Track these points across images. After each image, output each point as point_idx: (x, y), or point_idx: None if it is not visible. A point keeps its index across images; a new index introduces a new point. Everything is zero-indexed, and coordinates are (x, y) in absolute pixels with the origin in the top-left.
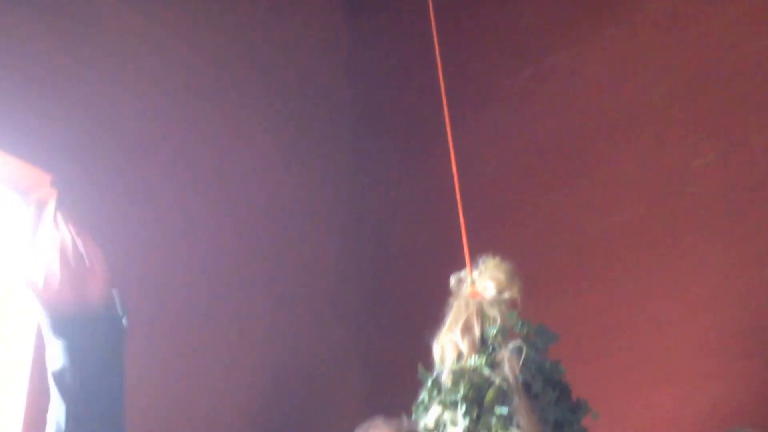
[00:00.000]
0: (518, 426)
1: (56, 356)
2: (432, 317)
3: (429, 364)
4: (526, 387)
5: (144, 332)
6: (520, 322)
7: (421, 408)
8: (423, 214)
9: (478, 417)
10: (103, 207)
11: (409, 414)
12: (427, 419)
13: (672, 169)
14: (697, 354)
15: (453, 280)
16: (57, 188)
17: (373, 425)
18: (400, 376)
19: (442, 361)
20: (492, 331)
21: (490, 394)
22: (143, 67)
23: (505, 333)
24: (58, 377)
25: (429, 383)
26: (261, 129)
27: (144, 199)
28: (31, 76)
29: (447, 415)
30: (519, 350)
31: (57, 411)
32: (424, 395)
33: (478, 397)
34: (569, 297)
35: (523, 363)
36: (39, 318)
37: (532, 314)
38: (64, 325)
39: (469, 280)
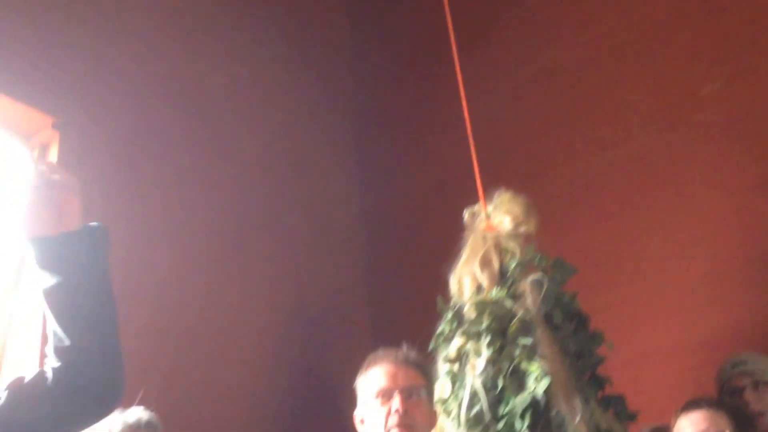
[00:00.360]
0: (541, 356)
1: (45, 278)
2: (438, 253)
3: (436, 300)
4: (547, 319)
5: (150, 274)
6: (538, 256)
7: (441, 339)
8: (431, 150)
9: (501, 348)
10: (106, 150)
11: (411, 345)
12: (449, 350)
13: (679, 97)
14: (702, 283)
15: (466, 214)
16: (59, 131)
17: (376, 356)
18: (404, 312)
19: (461, 294)
20: (512, 265)
21: (513, 325)
22: (147, 7)
23: (524, 266)
24: (50, 295)
25: (449, 315)
26: (263, 56)
27: (146, 141)
28: (31, 19)
29: (470, 346)
30: (539, 283)
31: (53, 325)
32: (444, 327)
33: (501, 328)
34: (578, 231)
35: (543, 295)
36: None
37: (544, 248)
38: (46, 244)
39: (483, 215)
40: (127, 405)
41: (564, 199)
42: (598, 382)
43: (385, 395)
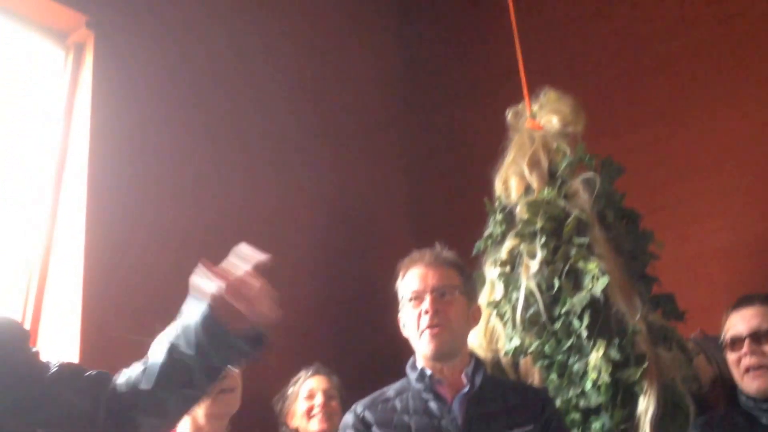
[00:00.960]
0: (598, 255)
1: (185, 343)
2: (481, 154)
3: (483, 202)
4: (601, 218)
5: (192, 175)
6: (587, 155)
7: (489, 241)
8: (475, 46)
9: (556, 248)
10: (141, 49)
11: (449, 246)
12: (500, 252)
13: None
14: (758, 185)
15: (510, 114)
16: (93, 30)
17: (409, 259)
18: (446, 215)
19: (507, 195)
20: (561, 164)
21: (569, 224)
22: None
23: (574, 166)
24: (176, 356)
25: (498, 217)
26: None
27: (181, 39)
28: None
29: (523, 247)
30: (591, 182)
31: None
32: (492, 229)
33: (555, 228)
34: (628, 130)
35: (595, 195)
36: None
37: (594, 147)
38: (217, 331)
39: (528, 114)
40: None
41: (612, 98)
42: (648, 282)
43: (418, 297)
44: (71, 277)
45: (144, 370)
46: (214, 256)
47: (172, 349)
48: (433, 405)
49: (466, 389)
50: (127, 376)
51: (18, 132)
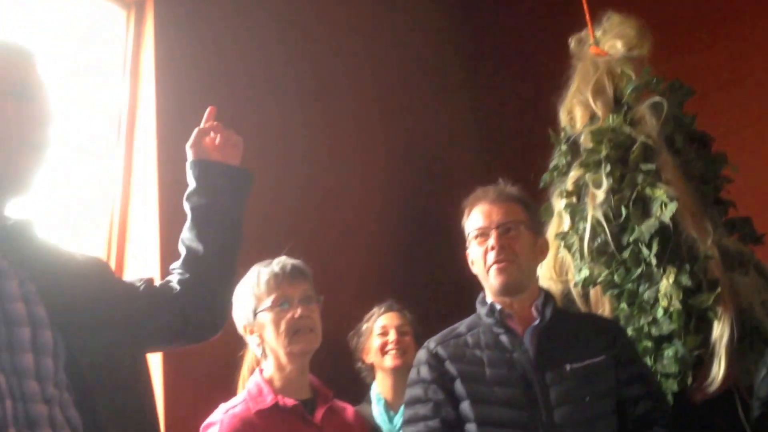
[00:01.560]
0: (666, 181)
1: (197, 196)
2: (546, 85)
3: (548, 134)
4: (669, 143)
5: (269, 135)
6: (654, 79)
7: (555, 173)
8: None
9: (622, 176)
10: (205, 11)
11: (514, 182)
12: (565, 184)
13: None
14: None
15: (572, 42)
16: None
17: (473, 196)
18: (514, 150)
19: (573, 125)
20: (627, 90)
21: (635, 151)
22: None
23: (640, 90)
24: (197, 211)
25: (563, 148)
26: None
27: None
28: None
29: (588, 177)
30: (658, 106)
31: (191, 238)
32: (557, 160)
33: (620, 155)
34: (695, 51)
35: (663, 119)
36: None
37: (662, 70)
38: (211, 167)
39: (591, 41)
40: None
41: (681, 17)
42: (723, 206)
43: (483, 234)
44: (149, 242)
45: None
46: (282, 198)
47: (191, 209)
48: (504, 339)
49: (537, 322)
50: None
51: (84, 90)
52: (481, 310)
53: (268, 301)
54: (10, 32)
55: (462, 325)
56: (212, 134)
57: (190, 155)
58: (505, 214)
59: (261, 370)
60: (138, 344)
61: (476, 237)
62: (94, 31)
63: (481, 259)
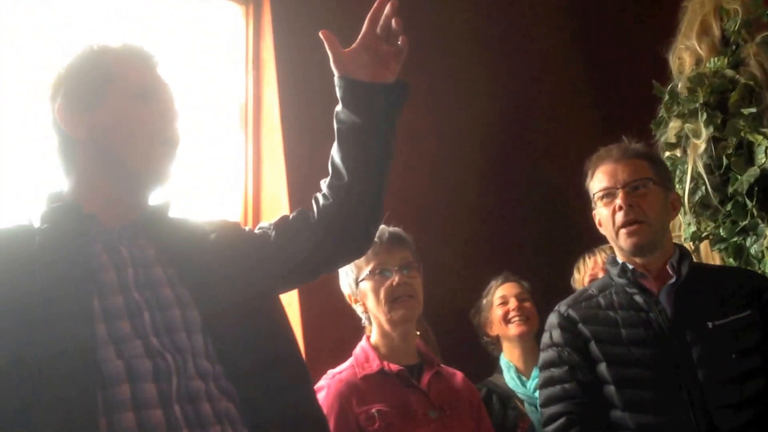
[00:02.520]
0: None
1: (345, 116)
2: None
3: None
4: None
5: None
6: (766, 12)
7: (661, 125)
8: None
9: (723, 123)
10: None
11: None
12: (667, 135)
13: None
14: None
15: None
16: None
17: (596, 156)
18: (630, 106)
19: (680, 72)
20: (733, 26)
21: (734, 95)
22: None
23: (750, 26)
24: (345, 133)
25: (666, 97)
26: None
27: None
28: None
29: (687, 127)
30: None
31: (337, 161)
32: (662, 112)
33: (720, 101)
34: None
35: None
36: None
37: None
38: (359, 86)
39: None
40: None
41: None
42: None
43: (609, 194)
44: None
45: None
46: (404, 174)
47: (336, 129)
48: (639, 299)
49: (673, 280)
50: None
51: (208, 82)
52: (612, 271)
53: (367, 270)
54: (135, 35)
55: (592, 287)
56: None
57: (335, 71)
58: (631, 171)
59: (368, 337)
60: (280, 289)
61: (602, 198)
62: (214, 28)
63: (609, 219)
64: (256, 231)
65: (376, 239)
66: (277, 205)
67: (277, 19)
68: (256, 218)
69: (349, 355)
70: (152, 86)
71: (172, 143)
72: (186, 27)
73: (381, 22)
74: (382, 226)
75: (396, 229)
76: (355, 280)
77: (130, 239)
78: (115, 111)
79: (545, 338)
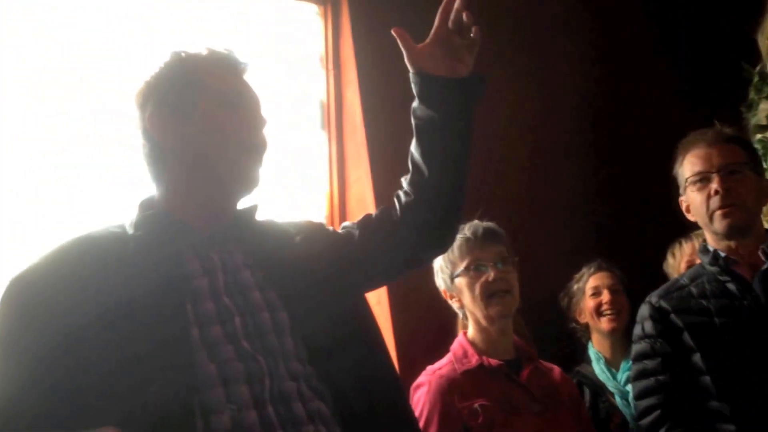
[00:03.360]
0: None
1: (422, 111)
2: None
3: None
4: None
5: None
6: None
7: (752, 107)
8: None
9: None
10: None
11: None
12: (758, 117)
13: None
14: None
15: None
16: None
17: (687, 141)
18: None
19: None
20: None
21: None
22: None
23: None
24: (422, 129)
25: (755, 79)
26: None
27: None
28: None
29: None
30: None
31: (417, 157)
32: (752, 94)
33: None
34: None
35: None
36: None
37: None
38: (434, 81)
39: None
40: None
41: None
42: None
43: (704, 178)
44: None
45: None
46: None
47: (414, 125)
48: (731, 286)
49: (766, 266)
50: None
51: (287, 81)
52: (704, 259)
53: (462, 266)
54: (220, 42)
55: (684, 277)
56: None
57: (409, 67)
58: (726, 155)
59: (464, 332)
60: (366, 287)
61: (695, 182)
62: (292, 28)
63: (702, 204)
64: (341, 231)
65: (470, 235)
66: (363, 205)
67: (355, 17)
68: (342, 219)
69: (439, 351)
70: (239, 94)
71: (259, 149)
72: (264, 28)
73: (452, 15)
74: (476, 222)
75: (490, 223)
76: (450, 276)
77: (220, 244)
78: (203, 119)
79: (637, 330)
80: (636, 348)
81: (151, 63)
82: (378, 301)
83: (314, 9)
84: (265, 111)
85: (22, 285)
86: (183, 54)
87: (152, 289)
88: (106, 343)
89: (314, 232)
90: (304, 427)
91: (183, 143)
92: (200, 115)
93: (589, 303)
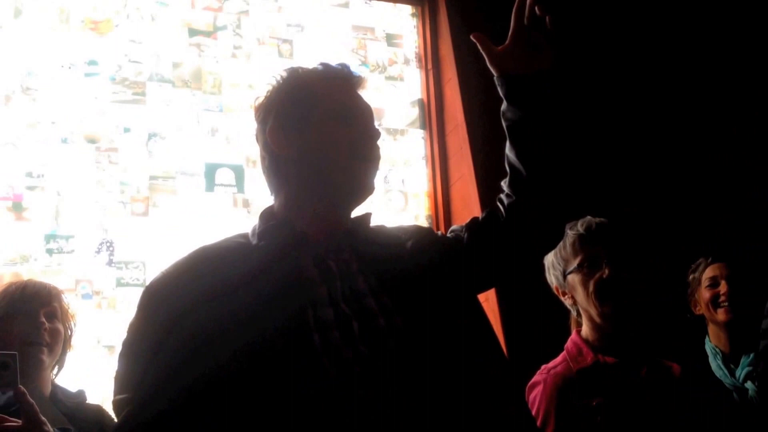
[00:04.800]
0: None
1: (512, 112)
2: None
3: None
4: None
5: None
6: None
7: None
8: None
9: None
10: None
11: None
12: None
13: None
14: None
15: None
16: None
17: None
18: None
19: None
20: None
21: None
22: None
23: None
24: (514, 129)
25: None
26: None
27: None
28: None
29: None
30: None
31: (513, 158)
32: None
33: None
34: None
35: None
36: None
37: None
38: (517, 81)
39: None
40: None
41: None
42: None
43: None
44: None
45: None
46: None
47: (505, 128)
48: None
49: None
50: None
51: (388, 80)
52: None
53: (575, 263)
54: (331, 57)
55: None
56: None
57: (492, 71)
58: None
59: (577, 330)
60: (477, 290)
61: None
62: (389, 29)
63: None
64: (449, 235)
65: (583, 231)
66: (467, 204)
67: (453, 15)
68: (447, 218)
69: (551, 349)
70: (354, 108)
71: (374, 160)
72: (361, 29)
73: (526, 11)
74: (589, 219)
75: (602, 220)
76: (562, 273)
77: (336, 253)
78: (320, 132)
79: (765, 324)
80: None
81: (271, 78)
82: (486, 297)
83: (409, 10)
84: (377, 123)
85: (156, 290)
86: (300, 70)
87: (275, 296)
88: (234, 346)
89: (424, 236)
90: None
91: (300, 156)
92: (316, 128)
93: (705, 294)
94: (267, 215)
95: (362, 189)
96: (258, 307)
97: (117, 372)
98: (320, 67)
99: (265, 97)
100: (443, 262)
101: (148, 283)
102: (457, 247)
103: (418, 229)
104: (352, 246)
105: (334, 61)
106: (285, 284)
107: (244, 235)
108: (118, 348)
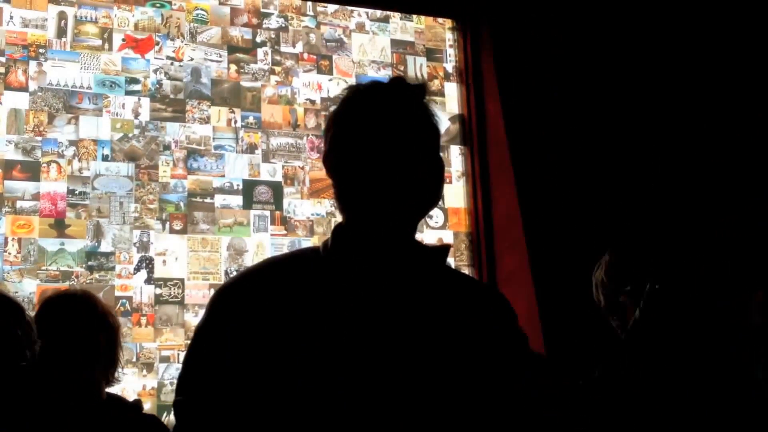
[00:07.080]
0: None
1: None
2: None
3: None
4: None
5: None
6: None
7: None
8: None
9: None
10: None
11: None
12: None
13: None
14: None
15: None
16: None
17: None
18: None
19: None
20: None
21: None
22: None
23: None
24: None
25: None
26: None
27: None
28: None
29: None
30: None
31: None
32: None
33: None
34: None
35: None
36: None
37: None
38: None
39: None
40: None
41: None
42: None
43: None
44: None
45: None
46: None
47: None
48: None
49: None
50: None
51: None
52: None
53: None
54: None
55: None
56: None
57: None
58: None
59: None
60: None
61: None
62: (429, 44)
63: None
64: (523, 357)
65: None
66: (512, 222)
67: (495, 31)
68: (488, 237)
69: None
70: (413, 125)
71: (435, 172)
72: (401, 44)
73: None
74: None
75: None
76: (612, 292)
77: (400, 273)
78: (379, 149)
79: None
80: None
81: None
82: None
83: (449, 24)
84: (438, 134)
85: (229, 294)
86: (361, 87)
87: (339, 312)
88: (300, 363)
89: (509, 336)
90: None
91: (360, 173)
92: (376, 145)
93: None
94: (337, 231)
95: (433, 199)
96: (324, 322)
97: (180, 374)
98: (381, 84)
99: (328, 117)
100: (490, 369)
101: (218, 288)
102: (510, 376)
103: (513, 323)
104: (420, 273)
105: (385, 77)
106: (349, 300)
107: (316, 249)
108: (157, 365)
